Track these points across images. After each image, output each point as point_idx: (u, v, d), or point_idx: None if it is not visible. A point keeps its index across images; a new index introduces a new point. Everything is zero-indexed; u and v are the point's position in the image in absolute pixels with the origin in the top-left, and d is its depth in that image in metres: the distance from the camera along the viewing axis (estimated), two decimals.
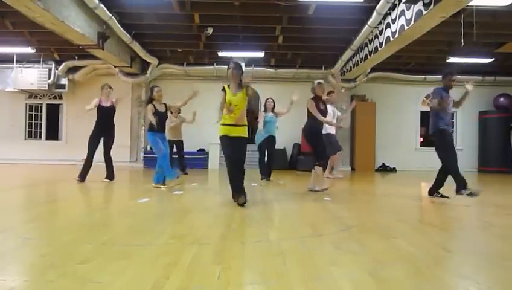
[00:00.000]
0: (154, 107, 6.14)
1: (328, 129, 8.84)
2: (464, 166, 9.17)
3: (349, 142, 13.09)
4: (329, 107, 9.08)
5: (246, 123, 4.82)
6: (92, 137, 7.04)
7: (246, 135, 4.80)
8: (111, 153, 7.20)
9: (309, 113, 5.98)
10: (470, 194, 5.14)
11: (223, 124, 4.76)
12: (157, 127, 6.12)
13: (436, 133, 5.43)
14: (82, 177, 6.91)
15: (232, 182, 4.69)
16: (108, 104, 7.10)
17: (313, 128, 5.99)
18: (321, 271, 2.16)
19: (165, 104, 6.35)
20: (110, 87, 7.19)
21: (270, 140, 7.96)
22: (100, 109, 7.02)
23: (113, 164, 7.26)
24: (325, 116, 6.09)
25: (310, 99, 5.99)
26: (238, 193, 4.59)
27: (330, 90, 8.52)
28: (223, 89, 4.79)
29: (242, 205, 4.47)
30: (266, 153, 8.00)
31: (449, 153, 5.38)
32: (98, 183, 6.84)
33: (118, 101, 7.31)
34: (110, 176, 7.16)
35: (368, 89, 13.16)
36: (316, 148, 5.99)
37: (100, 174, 7.20)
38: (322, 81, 6.23)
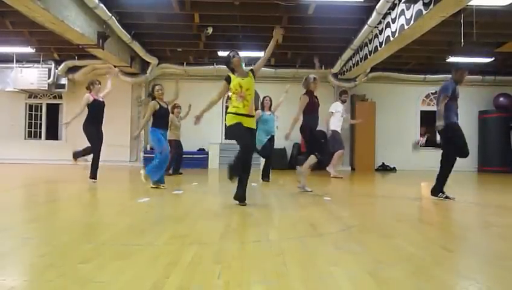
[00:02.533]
0: (159, 104, 6.12)
1: (333, 127, 8.86)
2: (463, 166, 9.18)
3: (349, 142, 13.08)
4: (338, 105, 9.04)
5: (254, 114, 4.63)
6: (90, 126, 6.61)
7: (255, 127, 4.59)
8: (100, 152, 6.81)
9: (304, 110, 5.93)
10: (447, 198, 5.15)
11: (236, 113, 4.34)
12: (160, 124, 6.13)
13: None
14: (94, 174, 6.71)
15: (238, 175, 4.34)
16: (101, 99, 6.81)
17: (302, 125, 5.95)
18: (321, 271, 2.16)
19: (165, 102, 6.35)
20: (100, 83, 6.95)
21: (271, 140, 7.77)
22: (94, 103, 6.66)
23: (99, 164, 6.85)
24: (317, 109, 6.06)
25: (303, 94, 5.93)
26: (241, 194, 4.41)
27: None
28: (227, 78, 4.44)
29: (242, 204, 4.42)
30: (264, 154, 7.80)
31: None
32: (97, 183, 6.80)
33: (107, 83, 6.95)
34: (93, 175, 6.76)
35: (367, 88, 13.15)
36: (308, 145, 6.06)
37: (100, 173, 7.12)
38: (317, 76, 6.15)
